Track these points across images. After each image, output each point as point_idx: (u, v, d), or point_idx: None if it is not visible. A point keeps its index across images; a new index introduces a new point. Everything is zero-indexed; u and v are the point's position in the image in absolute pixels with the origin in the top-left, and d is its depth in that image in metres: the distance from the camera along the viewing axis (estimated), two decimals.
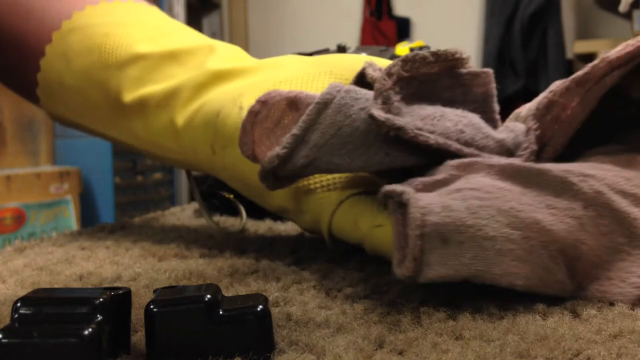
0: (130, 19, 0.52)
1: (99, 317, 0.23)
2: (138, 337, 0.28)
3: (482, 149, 0.34)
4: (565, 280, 0.30)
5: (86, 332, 0.22)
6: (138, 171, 2.54)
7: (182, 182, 2.79)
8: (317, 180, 0.41)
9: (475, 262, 0.29)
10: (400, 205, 0.31)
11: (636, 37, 0.34)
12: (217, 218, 0.67)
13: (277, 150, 0.35)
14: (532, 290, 0.30)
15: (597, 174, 0.33)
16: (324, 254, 0.45)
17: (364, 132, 0.34)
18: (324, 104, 0.35)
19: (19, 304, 0.23)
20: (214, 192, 0.67)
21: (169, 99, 0.47)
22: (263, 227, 0.60)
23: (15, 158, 2.26)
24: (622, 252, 0.31)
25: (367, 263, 0.42)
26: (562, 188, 0.32)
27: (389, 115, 0.33)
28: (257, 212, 0.64)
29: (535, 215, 0.30)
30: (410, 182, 0.34)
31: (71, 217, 2.19)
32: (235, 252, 0.48)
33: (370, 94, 0.35)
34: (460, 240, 0.29)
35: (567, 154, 0.36)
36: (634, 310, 0.30)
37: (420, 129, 0.33)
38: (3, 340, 0.22)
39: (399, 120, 0.33)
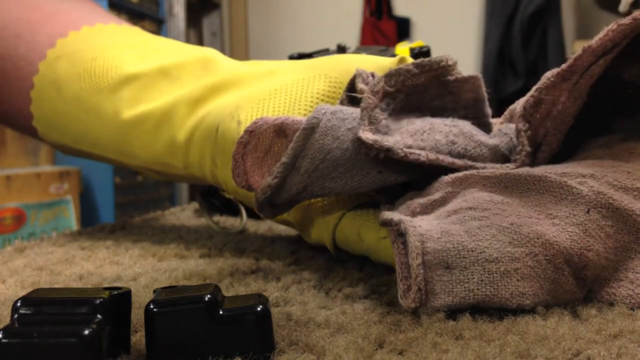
0: (115, 41, 0.52)
1: (99, 317, 0.23)
2: (138, 337, 0.28)
3: (476, 158, 0.34)
4: (574, 290, 0.30)
5: (86, 332, 0.22)
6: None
7: None
8: None
9: (481, 287, 0.29)
10: (400, 234, 0.31)
11: (617, 21, 0.33)
12: (217, 218, 0.67)
13: (269, 180, 0.35)
14: (541, 305, 0.30)
15: (597, 172, 0.32)
16: (324, 254, 0.45)
17: (354, 154, 0.34)
18: (311, 129, 0.34)
19: (19, 304, 0.23)
20: (214, 192, 0.67)
21: (166, 116, 0.46)
22: (263, 227, 0.60)
23: (15, 158, 2.26)
24: (630, 250, 0.31)
25: (367, 263, 0.42)
26: (561, 193, 0.31)
27: (377, 137, 0.32)
28: None
29: (537, 229, 0.29)
30: (408, 204, 0.33)
31: (71, 217, 2.19)
32: (235, 252, 0.48)
33: (357, 112, 0.34)
34: (463, 266, 0.29)
35: (565, 148, 0.35)
36: (634, 311, 0.30)
37: (410, 147, 0.33)
38: (3, 340, 0.22)
39: (387, 142, 0.32)
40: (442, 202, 0.32)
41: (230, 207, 0.66)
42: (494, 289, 0.29)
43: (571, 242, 0.30)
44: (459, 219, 0.30)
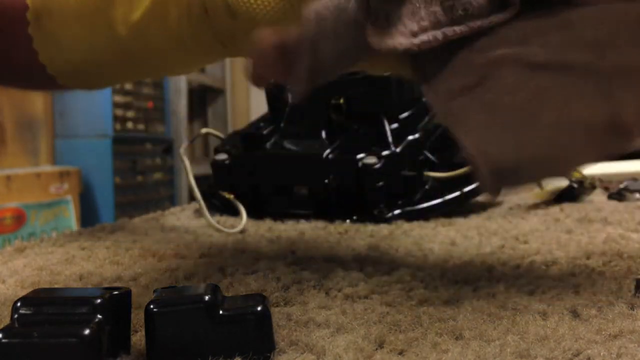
0: None
1: (99, 317, 0.23)
2: (138, 337, 0.28)
3: (477, 16, 0.34)
4: (615, 145, 0.32)
5: (86, 332, 0.22)
6: (138, 171, 2.54)
7: (182, 182, 2.79)
8: None
9: (539, 173, 0.35)
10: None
11: None
12: (217, 218, 0.67)
13: (300, 88, 0.37)
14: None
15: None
16: (324, 254, 0.45)
17: (365, 43, 0.35)
18: (313, 40, 0.35)
19: (19, 304, 0.23)
20: (214, 192, 0.67)
21: (159, 11, 0.47)
22: (263, 227, 0.60)
23: (15, 158, 2.26)
24: None
25: (367, 263, 0.42)
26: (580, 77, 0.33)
27: (388, 42, 0.34)
28: (257, 212, 0.64)
29: (574, 113, 0.32)
30: (447, 91, 0.34)
31: (71, 217, 2.19)
32: (235, 252, 0.48)
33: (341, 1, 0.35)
34: (522, 165, 0.33)
35: None
36: (633, 310, 0.30)
37: (416, 34, 0.34)
38: (3, 340, 0.22)
39: (400, 44, 0.33)
40: (477, 84, 0.34)
41: (230, 207, 0.66)
42: (552, 169, 0.34)
43: (601, 112, 0.32)
44: (504, 114, 0.33)
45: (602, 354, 0.24)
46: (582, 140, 0.32)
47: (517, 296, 0.33)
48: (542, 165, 0.33)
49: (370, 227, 0.57)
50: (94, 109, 2.38)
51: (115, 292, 0.25)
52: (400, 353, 0.26)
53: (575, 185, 0.68)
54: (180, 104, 2.92)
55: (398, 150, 0.60)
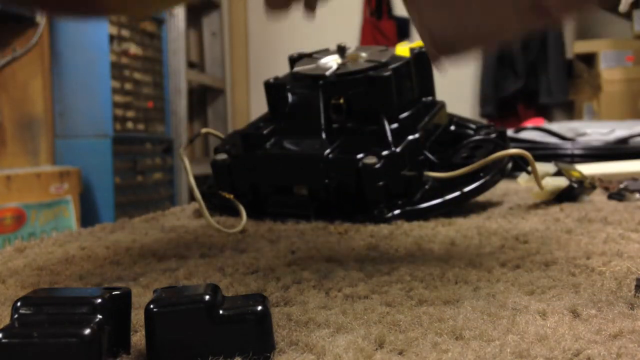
0: None
1: (99, 317, 0.23)
2: (138, 337, 0.28)
3: None
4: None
5: (86, 332, 0.22)
6: (138, 171, 2.54)
7: (182, 182, 2.79)
8: None
9: (473, 46, 0.39)
10: None
11: None
12: (217, 218, 0.67)
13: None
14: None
15: None
16: (324, 254, 0.45)
17: None
18: None
19: (19, 304, 0.23)
20: (214, 192, 0.67)
21: None
22: (263, 227, 0.60)
23: (15, 158, 2.27)
24: None
25: (367, 263, 0.42)
26: None
27: None
28: (257, 212, 0.64)
29: None
30: None
31: (71, 217, 2.19)
32: (235, 252, 0.48)
33: None
34: (459, 39, 0.38)
35: None
36: (633, 310, 0.30)
37: None
38: (3, 340, 0.22)
39: None
40: None
41: (230, 207, 0.66)
42: (480, 45, 0.39)
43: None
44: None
45: (602, 354, 0.24)
46: (509, 18, 0.37)
47: (517, 296, 0.33)
48: (475, 39, 0.39)
49: (370, 227, 0.57)
50: (94, 109, 2.38)
51: (115, 292, 0.25)
52: (400, 353, 0.26)
53: (575, 185, 0.68)
54: (180, 104, 2.92)
55: (398, 150, 0.60)
